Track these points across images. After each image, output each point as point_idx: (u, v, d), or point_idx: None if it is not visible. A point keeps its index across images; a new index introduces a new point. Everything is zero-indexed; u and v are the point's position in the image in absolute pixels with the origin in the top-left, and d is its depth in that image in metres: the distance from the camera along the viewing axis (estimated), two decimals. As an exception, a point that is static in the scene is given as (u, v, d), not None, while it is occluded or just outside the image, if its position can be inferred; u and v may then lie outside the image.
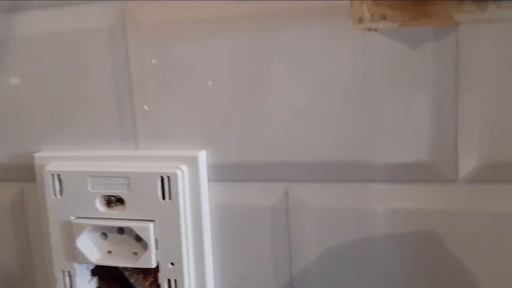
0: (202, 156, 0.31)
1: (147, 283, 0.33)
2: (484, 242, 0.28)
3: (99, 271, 0.34)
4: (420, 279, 0.29)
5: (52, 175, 0.32)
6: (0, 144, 0.34)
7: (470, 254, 0.28)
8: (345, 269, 0.30)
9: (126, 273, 0.34)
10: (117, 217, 0.31)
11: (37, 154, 0.33)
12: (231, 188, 0.31)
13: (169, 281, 0.31)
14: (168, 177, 0.30)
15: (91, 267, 0.34)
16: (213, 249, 0.32)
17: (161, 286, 0.31)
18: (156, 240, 0.31)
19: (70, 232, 0.32)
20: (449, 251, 0.28)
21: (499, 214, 0.27)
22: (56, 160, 0.33)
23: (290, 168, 0.30)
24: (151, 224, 0.31)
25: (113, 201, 0.32)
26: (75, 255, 0.32)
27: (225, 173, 0.31)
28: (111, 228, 0.32)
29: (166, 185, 0.30)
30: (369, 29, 0.28)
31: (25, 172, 0.34)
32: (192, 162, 0.31)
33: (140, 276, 0.33)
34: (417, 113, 0.28)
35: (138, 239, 0.32)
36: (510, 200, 0.27)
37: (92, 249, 0.32)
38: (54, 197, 0.32)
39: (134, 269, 0.33)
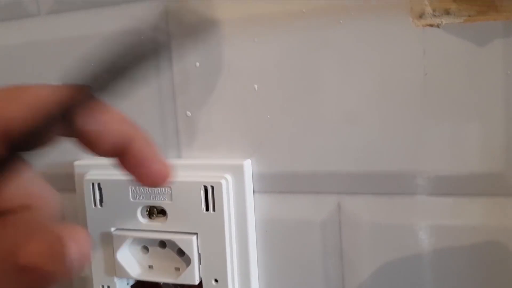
0: (248, 165, 0.29)
1: (188, 301, 0.31)
2: None
3: (139, 287, 0.33)
4: (492, 303, 0.26)
5: (92, 183, 0.31)
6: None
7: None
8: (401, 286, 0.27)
9: (167, 289, 0.32)
10: (159, 229, 0.30)
11: (76, 162, 0.32)
12: (278, 200, 0.29)
13: (213, 300, 0.29)
14: (212, 186, 0.28)
15: (132, 282, 0.32)
16: (259, 265, 0.30)
17: (204, 305, 0.30)
18: (199, 254, 0.29)
19: (110, 244, 0.31)
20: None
21: None
22: (96, 168, 0.32)
23: (342, 179, 0.27)
24: (194, 237, 0.29)
25: (154, 212, 0.30)
26: (115, 269, 0.31)
27: (272, 184, 0.29)
28: (152, 241, 0.31)
29: (210, 195, 0.28)
30: (431, 25, 0.25)
31: (65, 181, 0.33)
32: (237, 172, 0.29)
33: (181, 293, 0.31)
34: (486, 118, 0.25)
35: (180, 253, 0.30)
36: None
37: (133, 263, 0.31)
38: (94, 207, 0.31)
39: (175, 286, 0.32)
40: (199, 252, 0.29)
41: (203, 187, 0.28)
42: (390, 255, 0.28)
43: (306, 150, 0.28)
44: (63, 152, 0.33)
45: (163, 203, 0.30)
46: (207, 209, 0.29)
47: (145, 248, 0.31)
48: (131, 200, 0.30)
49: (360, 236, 0.28)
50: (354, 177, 0.27)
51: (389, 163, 0.26)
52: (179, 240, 0.29)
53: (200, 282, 0.30)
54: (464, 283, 0.26)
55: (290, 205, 0.29)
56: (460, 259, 0.26)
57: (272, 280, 0.30)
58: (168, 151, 0.31)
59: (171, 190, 0.29)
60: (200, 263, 0.29)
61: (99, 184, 0.31)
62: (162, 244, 0.31)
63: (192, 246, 0.29)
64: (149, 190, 0.30)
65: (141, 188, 0.30)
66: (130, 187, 0.30)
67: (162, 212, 0.30)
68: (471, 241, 0.26)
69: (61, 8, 0.32)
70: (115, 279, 0.31)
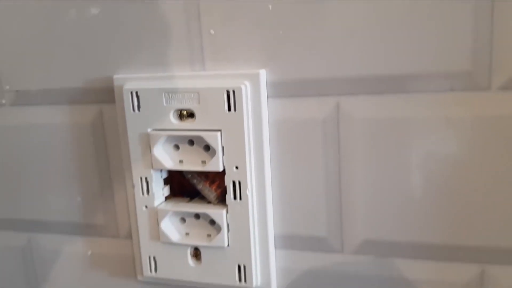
0: (262, 74, 0.35)
1: (213, 188, 0.38)
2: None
3: (170, 181, 0.40)
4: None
5: (131, 92, 0.37)
6: (80, 69, 0.39)
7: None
8: (391, 175, 0.34)
9: (194, 181, 0.39)
10: (188, 128, 0.36)
11: (116, 76, 0.38)
12: (287, 103, 0.35)
13: (233, 182, 0.36)
14: (234, 91, 0.34)
15: (165, 175, 0.39)
16: (271, 157, 0.36)
17: (227, 186, 0.36)
18: (222, 147, 0.35)
19: (147, 143, 0.37)
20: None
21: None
22: (133, 80, 0.37)
23: (341, 82, 0.34)
24: (218, 133, 0.35)
25: (184, 114, 0.36)
26: (151, 163, 0.37)
27: (282, 89, 0.35)
28: (182, 139, 0.37)
29: (231, 98, 0.35)
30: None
31: (104, 94, 0.39)
32: (254, 79, 0.35)
33: (207, 182, 0.38)
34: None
35: (206, 149, 0.37)
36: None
37: (166, 158, 0.37)
38: (133, 112, 0.37)
39: (201, 177, 0.38)
40: (223, 145, 0.35)
41: (226, 91, 0.35)
42: (381, 146, 0.34)
43: (311, 60, 0.34)
44: (102, 68, 0.39)
45: (192, 106, 0.36)
46: (229, 109, 0.35)
47: (176, 147, 0.37)
48: (165, 104, 0.36)
49: (355, 131, 0.34)
50: (351, 80, 0.33)
51: (382, 67, 0.32)
52: (206, 135, 0.35)
53: (223, 170, 0.36)
54: (448, 169, 0.33)
55: (297, 106, 0.35)
56: (451, 146, 0.33)
57: (281, 168, 0.36)
58: (194, 65, 0.36)
59: (198, 95, 0.35)
60: (223, 154, 0.36)
61: (136, 93, 0.37)
62: (191, 142, 0.37)
63: (217, 140, 0.35)
64: (180, 96, 0.36)
65: (173, 94, 0.36)
66: (163, 94, 0.36)
67: (190, 115, 0.36)
68: (461, 133, 0.32)
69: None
70: (152, 171, 0.38)
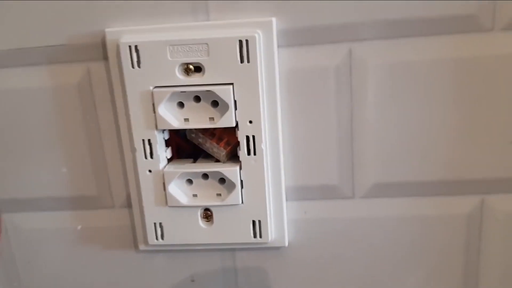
0: (274, 22, 0.34)
1: (221, 146, 0.36)
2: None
3: (171, 143, 0.37)
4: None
5: (130, 46, 0.33)
6: (62, 23, 0.35)
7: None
8: (403, 119, 0.35)
9: (200, 140, 0.37)
10: (197, 83, 0.34)
11: (108, 29, 0.34)
12: (298, 52, 0.34)
13: (247, 137, 0.35)
14: (247, 40, 0.33)
15: (166, 136, 0.36)
16: (282, 107, 0.36)
17: (240, 142, 0.35)
18: (235, 101, 0.34)
19: (149, 102, 0.35)
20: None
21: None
22: (129, 33, 0.34)
23: (352, 28, 0.34)
24: (230, 87, 0.34)
25: (191, 69, 0.34)
26: (155, 123, 0.35)
27: (293, 38, 0.34)
28: (188, 96, 0.35)
29: (244, 49, 0.33)
30: None
31: (91, 51, 0.35)
32: (266, 27, 0.33)
33: (214, 140, 0.36)
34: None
35: (214, 105, 0.35)
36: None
37: (171, 118, 0.35)
38: (132, 68, 0.34)
39: (207, 136, 0.36)
40: (235, 99, 0.34)
41: (238, 41, 0.33)
42: (393, 90, 0.35)
43: (322, 5, 0.33)
44: (88, 22, 0.35)
45: (200, 59, 0.33)
46: (241, 61, 0.33)
47: (181, 104, 0.35)
48: (169, 59, 0.34)
49: (368, 77, 0.34)
50: (362, 26, 0.33)
51: (392, 11, 0.33)
52: (218, 90, 0.34)
53: (233, 126, 0.35)
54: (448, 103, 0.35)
55: (308, 55, 0.34)
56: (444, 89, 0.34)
57: (292, 119, 0.36)
58: (198, 15, 0.34)
59: (207, 46, 0.33)
60: (235, 108, 0.34)
61: (136, 47, 0.33)
62: (197, 98, 0.35)
63: (230, 94, 0.34)
64: (187, 48, 0.33)
65: (179, 47, 0.33)
66: (168, 47, 0.33)
67: (197, 69, 0.34)
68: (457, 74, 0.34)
69: None
70: (156, 133, 0.35)
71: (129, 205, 0.39)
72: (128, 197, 0.39)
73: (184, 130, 0.37)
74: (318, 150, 0.36)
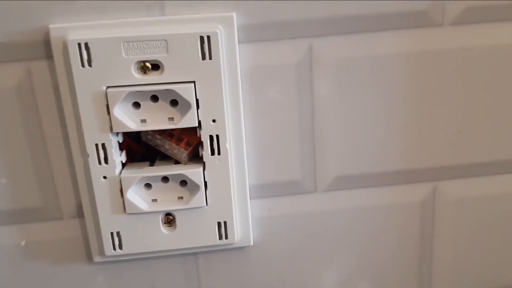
0: (234, 17, 0.32)
1: (182, 147, 0.35)
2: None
3: (123, 146, 0.35)
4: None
5: (79, 44, 0.30)
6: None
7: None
8: (360, 112, 0.36)
9: (157, 142, 0.35)
10: (155, 82, 0.32)
11: (52, 26, 0.31)
12: (259, 48, 0.34)
13: (211, 137, 0.33)
14: (208, 36, 0.31)
15: (121, 139, 0.34)
16: (244, 104, 0.34)
17: (204, 142, 0.34)
18: (197, 100, 0.32)
19: (102, 103, 0.32)
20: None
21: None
22: (77, 29, 0.31)
23: (313, 24, 0.33)
24: (192, 85, 0.32)
25: (148, 67, 0.32)
26: (110, 126, 0.32)
27: (253, 33, 0.33)
28: (144, 96, 0.33)
29: (206, 45, 0.31)
30: None
31: (32, 49, 0.32)
32: (228, 23, 0.32)
33: (173, 141, 0.35)
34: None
35: (173, 104, 0.33)
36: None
37: (126, 119, 0.33)
38: (82, 67, 0.31)
39: (165, 137, 0.34)
40: (197, 98, 0.32)
41: (199, 37, 0.31)
42: (350, 85, 0.35)
43: (282, 1, 0.33)
44: (28, 18, 0.31)
45: (159, 57, 0.31)
46: (203, 58, 0.32)
47: (136, 105, 0.33)
48: (124, 56, 0.31)
49: (327, 73, 0.35)
50: (322, 21, 0.33)
51: (351, 7, 0.33)
52: (179, 88, 0.32)
53: (192, 126, 0.33)
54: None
55: (269, 51, 0.34)
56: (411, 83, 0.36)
57: (254, 117, 0.35)
58: (152, 9, 0.32)
59: (166, 43, 0.31)
60: (198, 107, 0.33)
61: (86, 44, 0.31)
62: (154, 98, 0.33)
63: (191, 92, 0.32)
64: (144, 45, 0.31)
65: (135, 43, 0.31)
66: (122, 44, 0.31)
67: (155, 67, 0.32)
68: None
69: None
70: (110, 136, 0.33)
71: (79, 215, 0.36)
72: (79, 206, 0.36)
73: (137, 132, 0.35)
74: (281, 147, 0.36)
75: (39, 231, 0.36)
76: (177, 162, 0.35)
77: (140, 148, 0.36)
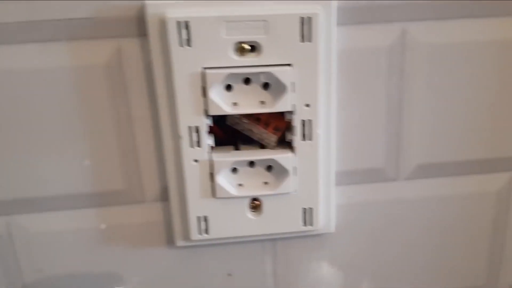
0: (334, -1, 0.32)
1: (270, 132, 0.34)
2: None
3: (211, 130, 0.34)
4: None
5: (179, 22, 0.30)
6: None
7: None
8: (449, 100, 0.35)
9: (245, 125, 0.34)
10: (252, 64, 0.31)
11: (149, 2, 0.30)
12: (354, 31, 0.33)
13: (303, 122, 0.33)
14: (309, 18, 0.31)
15: (211, 123, 0.33)
16: (337, 88, 0.34)
17: (296, 127, 0.33)
18: (292, 83, 0.32)
19: (197, 85, 0.31)
20: None
21: None
22: (175, 7, 0.30)
23: (407, 8, 0.33)
24: (289, 68, 0.31)
25: (245, 49, 0.31)
26: (204, 108, 0.32)
27: (350, 16, 0.32)
28: (237, 79, 0.32)
29: (306, 26, 0.31)
30: None
31: (123, 26, 0.31)
32: (326, 4, 0.31)
33: (260, 126, 0.34)
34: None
35: (264, 87, 0.32)
36: None
37: (221, 102, 0.32)
38: (181, 47, 0.30)
39: (253, 121, 0.34)
40: (292, 81, 0.32)
41: (300, 18, 0.31)
42: (441, 71, 0.34)
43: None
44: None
45: (258, 38, 0.31)
46: (302, 40, 0.31)
47: (228, 87, 0.32)
48: (224, 37, 0.30)
49: (419, 58, 0.34)
50: (418, 5, 0.33)
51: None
52: (276, 71, 0.31)
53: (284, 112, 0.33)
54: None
55: (362, 35, 0.33)
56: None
57: (344, 102, 0.34)
58: (250, -12, 0.31)
59: (267, 23, 0.30)
60: (293, 91, 0.32)
61: (187, 23, 0.30)
62: (246, 80, 0.32)
63: (288, 75, 0.31)
64: (243, 25, 0.30)
65: (235, 23, 0.30)
66: (223, 23, 0.30)
67: (252, 49, 0.31)
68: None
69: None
70: (204, 119, 0.32)
71: (162, 198, 0.35)
72: (163, 190, 0.35)
73: (220, 115, 0.34)
74: (367, 133, 0.36)
75: (120, 215, 0.35)
76: (262, 146, 0.35)
77: (219, 132, 0.36)
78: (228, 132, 0.35)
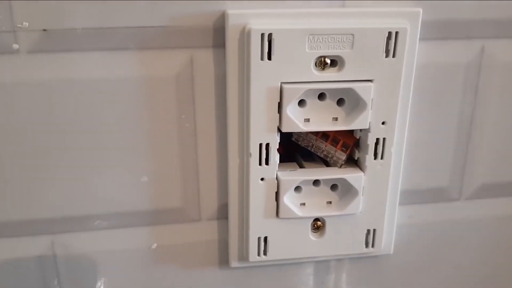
0: (421, 13, 0.30)
1: (338, 150, 0.32)
2: None
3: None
4: None
5: (262, 34, 0.27)
6: (163, 1, 0.27)
7: None
8: None
9: (313, 142, 0.32)
10: (332, 79, 0.29)
11: (231, 12, 0.27)
12: (435, 46, 0.31)
13: (377, 140, 0.31)
14: (397, 32, 0.29)
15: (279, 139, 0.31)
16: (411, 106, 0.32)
17: (369, 145, 0.31)
18: (371, 100, 0.30)
19: (273, 100, 0.29)
20: None
21: None
22: (257, 17, 0.28)
23: (487, 25, 0.31)
24: (371, 84, 0.30)
25: (326, 64, 0.29)
26: (278, 125, 0.29)
27: (433, 31, 0.31)
28: (312, 94, 0.30)
29: (392, 41, 0.29)
30: None
31: (198, 36, 0.28)
32: (413, 18, 0.29)
33: (328, 143, 0.32)
34: None
35: (339, 103, 0.30)
36: None
37: (294, 118, 0.30)
38: (261, 60, 0.28)
39: (321, 138, 0.32)
40: (372, 98, 0.30)
41: (387, 33, 0.29)
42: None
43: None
44: (195, 3, 0.27)
45: (342, 52, 0.29)
46: (387, 55, 0.29)
47: (302, 102, 0.30)
48: (307, 51, 0.28)
49: (495, 76, 0.33)
50: (498, 23, 0.31)
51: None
52: (358, 87, 0.29)
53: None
54: None
55: (441, 50, 0.31)
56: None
57: (417, 119, 0.33)
58: (332, 1, 0.29)
59: (353, 37, 0.28)
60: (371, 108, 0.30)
61: (270, 35, 0.27)
62: (321, 96, 0.30)
63: (370, 92, 0.30)
64: (329, 39, 0.28)
65: (320, 37, 0.28)
66: (307, 37, 0.28)
67: (332, 63, 0.29)
68: None
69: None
70: (276, 136, 0.30)
71: (219, 217, 0.33)
72: (220, 208, 0.33)
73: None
74: (435, 151, 0.34)
75: (173, 233, 0.33)
76: (326, 163, 0.33)
77: (280, 147, 0.33)
78: (286, 147, 0.33)
